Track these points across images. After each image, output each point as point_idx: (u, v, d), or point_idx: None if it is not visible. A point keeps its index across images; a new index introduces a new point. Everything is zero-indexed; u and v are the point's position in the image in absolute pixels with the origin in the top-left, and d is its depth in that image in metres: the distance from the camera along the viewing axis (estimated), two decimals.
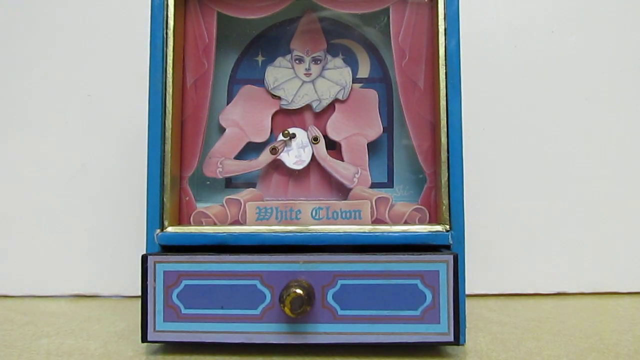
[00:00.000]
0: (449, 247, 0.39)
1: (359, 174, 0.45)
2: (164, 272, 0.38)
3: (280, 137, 0.45)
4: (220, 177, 0.45)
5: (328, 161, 0.45)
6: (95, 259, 0.61)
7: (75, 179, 0.62)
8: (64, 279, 0.61)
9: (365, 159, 0.45)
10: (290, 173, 0.46)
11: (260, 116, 0.46)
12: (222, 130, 0.46)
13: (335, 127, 0.46)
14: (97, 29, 0.63)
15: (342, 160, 0.45)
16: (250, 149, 0.46)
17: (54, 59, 0.63)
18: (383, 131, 0.46)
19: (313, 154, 0.45)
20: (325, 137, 0.45)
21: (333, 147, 0.46)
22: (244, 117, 0.46)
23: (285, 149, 0.45)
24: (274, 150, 0.45)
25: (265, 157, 0.45)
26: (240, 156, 0.46)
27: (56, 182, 0.62)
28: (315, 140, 0.44)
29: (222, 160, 0.45)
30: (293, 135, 0.45)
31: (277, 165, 0.46)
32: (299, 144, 0.45)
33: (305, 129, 0.46)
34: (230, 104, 0.46)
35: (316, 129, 0.45)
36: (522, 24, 0.62)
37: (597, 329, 0.45)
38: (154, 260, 0.38)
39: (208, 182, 0.46)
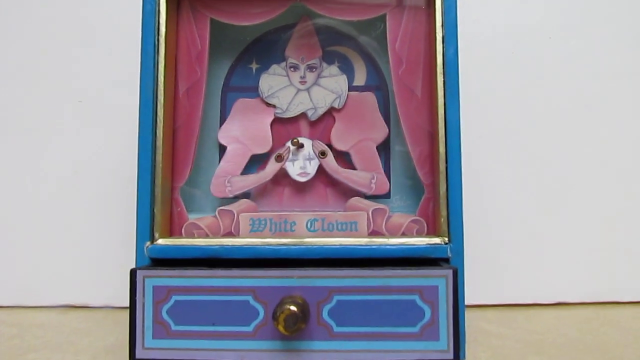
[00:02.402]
0: (447, 260, 0.38)
1: (375, 179, 0.44)
2: (154, 287, 0.37)
3: (288, 145, 0.44)
4: (231, 195, 0.44)
5: (341, 173, 0.44)
6: (86, 269, 0.60)
7: (65, 188, 0.61)
8: (54, 289, 0.60)
9: (378, 162, 0.44)
10: (285, 183, 0.45)
11: (259, 127, 0.45)
12: (221, 148, 0.45)
13: (340, 137, 0.45)
14: (88, 36, 0.62)
15: (355, 169, 0.44)
16: (250, 162, 0.45)
17: (45, 65, 0.62)
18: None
19: (318, 168, 0.44)
20: (331, 148, 0.44)
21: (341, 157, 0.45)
22: (243, 131, 0.45)
23: (291, 158, 0.44)
24: (280, 158, 0.44)
25: (272, 167, 0.44)
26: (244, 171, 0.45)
27: (45, 190, 0.61)
28: (322, 154, 0.43)
29: (230, 179, 0.44)
30: (301, 145, 0.44)
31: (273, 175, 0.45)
32: (305, 156, 0.44)
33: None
34: (226, 121, 0.45)
35: (321, 143, 0.44)
36: (519, 30, 0.62)
37: (601, 341, 0.44)
38: (143, 275, 0.37)
39: (200, 192, 0.45)
